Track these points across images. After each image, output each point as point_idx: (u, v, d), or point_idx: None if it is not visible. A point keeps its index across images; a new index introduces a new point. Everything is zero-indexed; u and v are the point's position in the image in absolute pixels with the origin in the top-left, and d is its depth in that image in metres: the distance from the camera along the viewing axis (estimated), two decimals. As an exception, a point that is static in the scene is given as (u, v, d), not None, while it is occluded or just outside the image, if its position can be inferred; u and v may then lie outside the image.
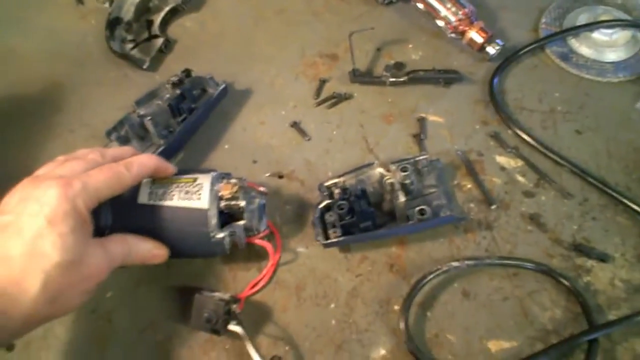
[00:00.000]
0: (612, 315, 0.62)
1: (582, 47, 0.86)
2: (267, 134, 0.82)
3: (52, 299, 0.49)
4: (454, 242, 0.69)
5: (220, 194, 0.62)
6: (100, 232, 0.57)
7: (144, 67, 0.91)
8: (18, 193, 0.52)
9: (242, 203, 0.63)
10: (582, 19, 0.89)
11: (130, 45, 0.95)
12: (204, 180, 0.62)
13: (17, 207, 0.51)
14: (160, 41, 0.94)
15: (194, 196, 0.61)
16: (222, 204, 0.62)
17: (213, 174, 0.64)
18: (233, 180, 0.64)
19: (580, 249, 0.67)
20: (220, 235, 0.61)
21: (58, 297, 0.50)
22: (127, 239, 0.58)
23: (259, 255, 0.69)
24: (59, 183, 0.52)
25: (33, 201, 0.51)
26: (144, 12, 0.99)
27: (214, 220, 0.60)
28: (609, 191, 0.70)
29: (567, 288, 0.64)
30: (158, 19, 0.97)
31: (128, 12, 0.98)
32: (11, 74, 0.94)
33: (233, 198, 0.62)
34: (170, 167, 0.63)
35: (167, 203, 0.60)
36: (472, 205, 0.72)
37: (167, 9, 0.98)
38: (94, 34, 0.98)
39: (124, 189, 0.57)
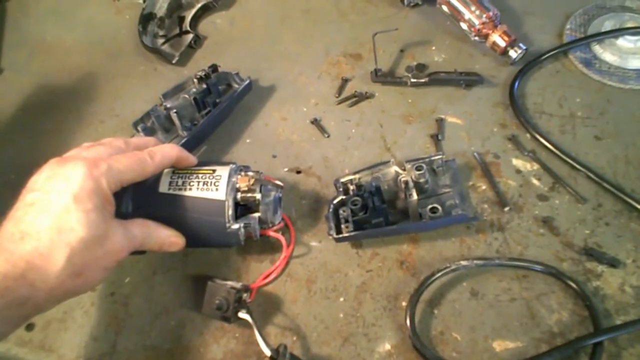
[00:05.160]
0: (619, 321, 0.62)
1: (606, 53, 0.86)
2: (288, 129, 0.84)
3: (76, 272, 0.52)
4: (465, 242, 0.70)
5: (237, 186, 0.64)
6: (121, 218, 0.59)
7: (173, 61, 0.94)
8: (46, 171, 0.55)
9: (258, 195, 0.65)
10: (608, 25, 0.89)
11: (161, 40, 0.98)
12: (222, 172, 0.64)
13: (45, 185, 0.54)
14: (190, 37, 0.97)
15: (212, 187, 0.63)
16: (239, 195, 0.64)
17: (232, 166, 0.65)
18: (250, 173, 0.66)
19: (591, 254, 0.67)
20: (236, 226, 0.63)
21: (81, 272, 0.52)
22: (147, 223, 0.61)
23: (273, 247, 0.71)
24: (85, 163, 0.54)
25: (60, 179, 0.53)
26: (176, 8, 1.02)
27: (229, 211, 0.62)
28: (625, 197, 0.70)
29: (575, 291, 0.64)
30: (189, 15, 1.00)
31: (161, 8, 1.01)
32: (51, 63, 0.98)
33: (249, 190, 0.64)
34: (191, 158, 0.65)
35: (186, 193, 0.63)
36: (485, 206, 0.72)
37: (198, 5, 1.01)
38: (127, 28, 1.01)
39: (146, 176, 0.60)
